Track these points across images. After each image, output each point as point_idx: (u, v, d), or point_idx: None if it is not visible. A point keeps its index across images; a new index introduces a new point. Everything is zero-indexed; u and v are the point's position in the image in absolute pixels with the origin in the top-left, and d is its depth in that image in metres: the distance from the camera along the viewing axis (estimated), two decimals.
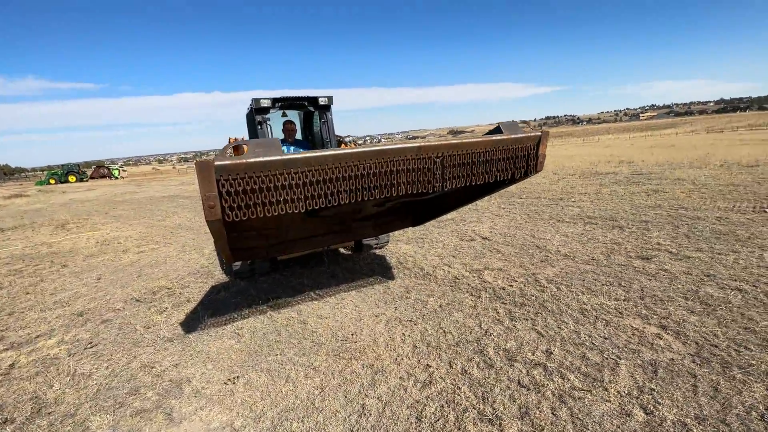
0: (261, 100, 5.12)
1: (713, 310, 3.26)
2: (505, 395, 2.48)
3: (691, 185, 8.91)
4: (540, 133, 2.77)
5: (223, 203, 2.01)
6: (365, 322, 3.65)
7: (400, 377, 2.77)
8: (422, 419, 2.34)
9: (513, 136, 2.66)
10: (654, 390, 2.39)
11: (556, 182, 11.37)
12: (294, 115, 6.36)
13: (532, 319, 3.41)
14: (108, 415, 2.61)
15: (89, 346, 3.63)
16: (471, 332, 3.28)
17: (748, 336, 2.85)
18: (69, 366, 3.29)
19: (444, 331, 3.35)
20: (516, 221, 7.07)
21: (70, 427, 2.53)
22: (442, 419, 2.33)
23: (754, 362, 2.55)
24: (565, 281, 4.14)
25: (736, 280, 3.77)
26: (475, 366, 2.81)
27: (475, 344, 3.09)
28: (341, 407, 2.51)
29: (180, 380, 2.97)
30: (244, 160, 1.99)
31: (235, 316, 4.04)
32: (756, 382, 2.37)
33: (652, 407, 2.26)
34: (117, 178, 43.72)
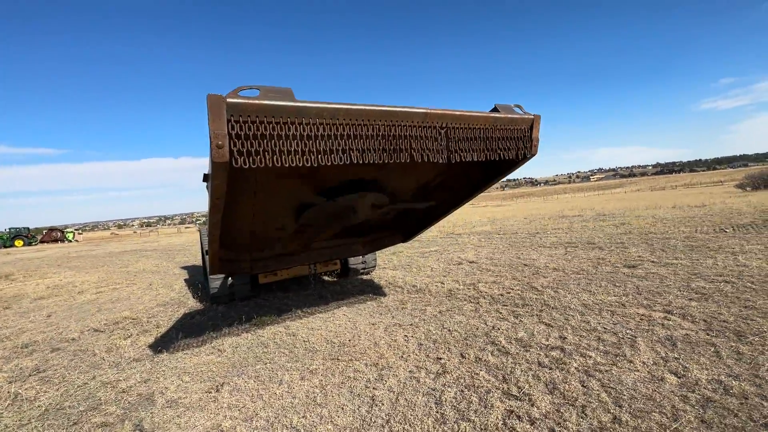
0: None
1: (709, 297, 3.29)
2: (528, 375, 2.27)
3: (653, 219, 9.50)
4: (533, 116, 2.92)
5: (231, 146, 1.90)
6: (362, 329, 3.37)
7: (410, 371, 2.50)
8: (442, 403, 2.08)
9: (509, 115, 2.78)
10: (678, 358, 2.29)
11: (529, 223, 11.79)
12: None
13: (537, 315, 3.28)
14: None
15: (35, 372, 3.07)
16: (477, 329, 3.09)
17: (750, 312, 2.86)
18: (8, 392, 2.73)
19: (449, 330, 3.14)
20: (499, 249, 7.12)
21: None
22: (465, 401, 2.07)
23: (765, 329, 2.53)
24: (561, 286, 4.10)
25: (721, 276, 3.88)
26: (489, 354, 2.60)
27: (485, 337, 2.90)
28: (347, 401, 2.20)
29: (150, 394, 2.52)
30: (257, 101, 1.92)
31: (214, 335, 3.61)
32: None
33: (682, 372, 2.14)
34: (71, 241, 40.90)
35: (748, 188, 22.50)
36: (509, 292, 4.05)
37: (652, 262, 4.83)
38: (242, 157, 1.92)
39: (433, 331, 3.14)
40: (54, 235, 44.24)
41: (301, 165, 2.07)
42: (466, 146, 2.59)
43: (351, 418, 2.02)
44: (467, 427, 1.84)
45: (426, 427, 1.88)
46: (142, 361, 3.11)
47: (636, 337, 2.62)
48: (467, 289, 4.37)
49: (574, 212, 14.61)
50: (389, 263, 6.47)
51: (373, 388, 2.31)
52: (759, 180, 22.58)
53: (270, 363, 2.85)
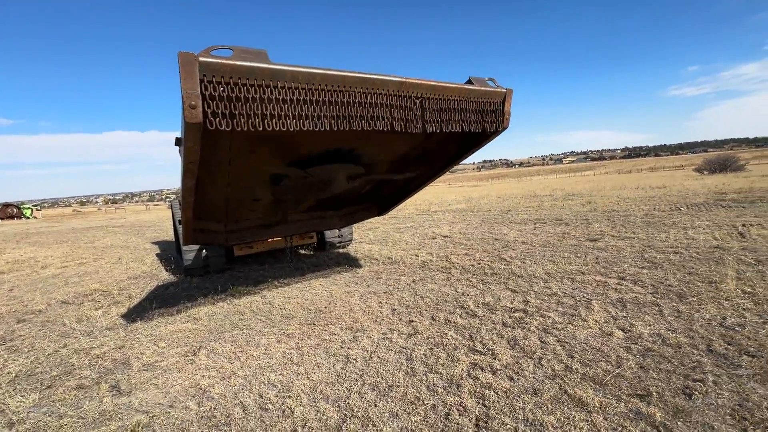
0: None
1: (659, 266, 3.58)
2: (492, 333, 2.45)
3: (617, 198, 10.00)
4: (506, 90, 3.00)
5: (205, 107, 1.87)
6: (337, 297, 3.47)
7: (383, 333, 2.63)
8: (413, 359, 2.22)
9: (483, 88, 2.85)
10: (626, 317, 2.52)
11: (503, 202, 12.13)
12: None
13: (504, 282, 3.47)
14: (33, 395, 2.13)
15: (0, 342, 3.00)
16: (448, 295, 3.25)
17: (692, 277, 3.15)
18: None
19: (421, 297, 3.28)
20: (472, 225, 7.34)
21: None
22: (434, 357, 2.22)
23: (703, 292, 2.81)
24: (528, 257, 4.32)
25: (672, 248, 4.20)
26: (458, 317, 2.76)
27: (455, 302, 3.06)
28: (323, 360, 2.30)
29: (126, 359, 2.54)
30: (231, 62, 1.89)
31: (189, 305, 3.62)
32: (709, 303, 2.60)
33: (628, 327, 2.36)
34: (29, 218, 38.55)
35: (705, 172, 23.83)
36: (480, 263, 4.24)
37: (612, 236, 5.14)
38: (216, 119, 1.90)
39: (407, 298, 3.28)
40: (9, 211, 41.43)
41: (276, 129, 2.07)
42: (441, 117, 2.64)
43: (326, 374, 2.13)
44: (435, 378, 1.98)
45: (397, 379, 2.01)
46: (116, 329, 3.09)
47: (591, 300, 2.85)
48: (440, 260, 4.54)
49: (545, 192, 15.13)
50: (365, 238, 6.56)
51: (348, 348, 2.43)
52: (715, 164, 23.93)
53: (247, 329, 2.91)
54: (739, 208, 6.70)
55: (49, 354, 2.69)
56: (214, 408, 1.88)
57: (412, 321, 2.77)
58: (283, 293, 3.73)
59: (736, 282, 2.92)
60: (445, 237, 6.17)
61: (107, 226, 14.91)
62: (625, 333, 2.29)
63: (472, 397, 1.79)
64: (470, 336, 2.44)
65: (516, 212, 8.85)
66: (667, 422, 1.53)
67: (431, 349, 2.33)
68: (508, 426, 1.58)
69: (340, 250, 5.66)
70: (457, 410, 1.71)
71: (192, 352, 2.56)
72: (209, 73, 1.82)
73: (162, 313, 3.42)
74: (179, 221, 3.86)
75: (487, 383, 1.89)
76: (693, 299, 2.69)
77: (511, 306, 2.86)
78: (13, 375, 2.41)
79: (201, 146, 2.10)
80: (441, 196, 17.76)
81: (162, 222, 15.13)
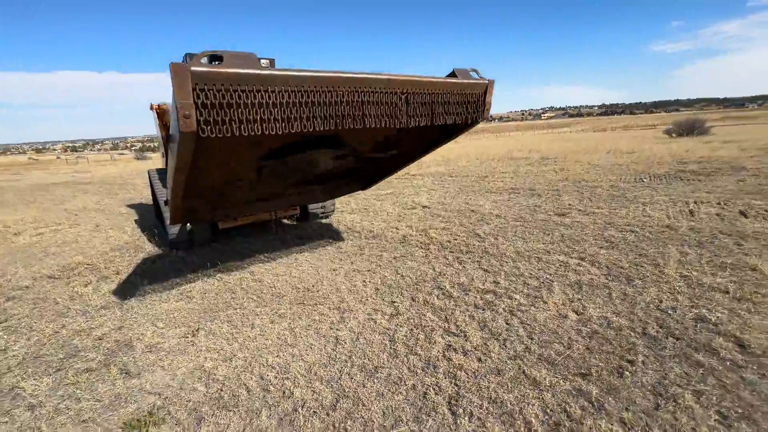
0: (197, 56, 4.74)
1: (616, 246, 3.97)
2: (465, 315, 2.76)
3: (588, 165, 10.42)
4: (487, 82, 3.08)
5: (198, 116, 1.90)
6: (324, 275, 3.70)
7: (368, 313, 2.90)
8: (395, 341, 2.51)
9: (467, 81, 2.92)
10: (581, 299, 2.88)
11: (480, 165, 12.37)
12: None
13: (478, 261, 3.78)
14: (45, 378, 2.31)
15: None
16: (427, 275, 3.54)
17: (642, 259, 3.55)
18: None
19: (402, 275, 3.56)
20: (450, 193, 7.59)
21: None
22: (413, 338, 2.52)
23: (648, 275, 3.20)
24: (500, 233, 4.64)
25: (629, 226, 4.61)
26: (435, 298, 3.06)
27: (433, 282, 3.35)
28: (315, 341, 2.57)
29: (128, 340, 2.72)
30: (223, 70, 1.90)
31: (179, 281, 3.77)
32: (651, 287, 2.99)
33: (581, 310, 2.72)
34: None
35: (673, 134, 24.70)
36: (456, 239, 4.53)
37: (579, 210, 5.52)
38: (209, 127, 1.94)
39: (388, 277, 3.55)
40: None
41: (267, 133, 2.13)
42: (426, 111, 2.74)
43: (319, 356, 2.40)
44: (415, 360, 2.29)
45: (381, 360, 2.31)
46: (111, 308, 3.23)
47: (553, 282, 3.20)
48: (419, 235, 4.80)
49: (522, 154, 15.44)
50: (347, 207, 6.71)
51: (337, 329, 2.70)
52: (683, 127, 24.76)
53: (240, 308, 3.12)
54: (696, 181, 7.22)
55: (49, 335, 2.83)
56: (221, 390, 2.13)
57: (394, 302, 3.05)
58: (271, 270, 3.92)
59: (677, 265, 3.34)
60: (424, 207, 6.41)
61: (74, 183, 14.28)
62: (578, 315, 2.66)
63: (446, 377, 2.11)
64: (446, 318, 2.75)
65: (492, 179, 9.13)
66: (601, 398, 1.89)
67: (411, 330, 2.63)
68: (475, 403, 1.91)
69: (323, 221, 5.82)
70: (433, 390, 2.02)
71: (191, 333, 2.76)
72: (201, 81, 1.84)
73: (154, 290, 3.57)
74: (165, 201, 3.87)
75: (459, 364, 2.21)
76: (638, 282, 3.08)
77: (483, 287, 3.18)
78: (20, 358, 2.56)
79: (194, 150, 2.15)
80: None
81: (132, 179, 14.60)
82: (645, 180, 7.58)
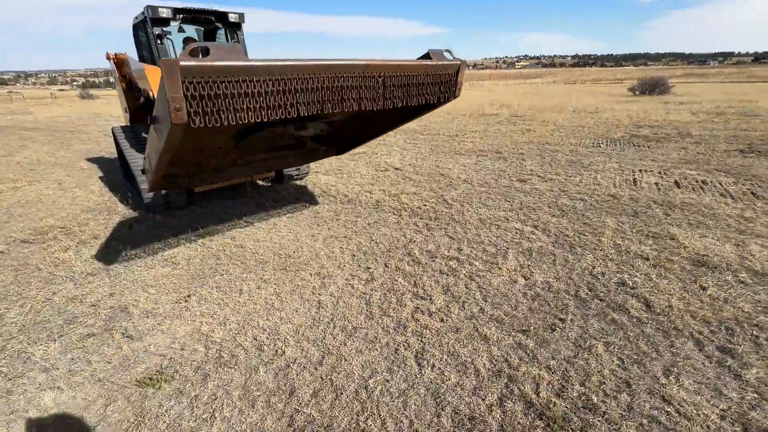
0: (159, 9, 4.46)
1: (566, 214, 4.46)
2: (431, 280, 3.17)
3: (553, 126, 10.85)
4: (459, 62, 3.24)
5: (188, 108, 1.99)
6: (303, 241, 3.97)
7: (346, 279, 3.25)
8: (371, 304, 2.89)
9: (441, 62, 3.07)
10: (530, 265, 3.36)
11: (451, 121, 12.51)
12: (191, 32, 5.68)
13: (444, 228, 4.17)
14: (52, 343, 2.53)
15: None
16: (398, 241, 3.90)
17: (585, 228, 4.06)
18: None
19: (376, 242, 3.89)
20: (421, 154, 7.82)
21: (6, 362, 2.39)
22: (386, 302, 2.91)
23: (588, 242, 3.72)
24: (466, 200, 5.02)
25: (580, 194, 5.12)
26: (406, 264, 3.44)
27: (404, 249, 3.72)
28: (299, 305, 2.90)
29: (123, 306, 2.94)
30: (210, 63, 1.96)
31: (162, 246, 3.92)
32: (588, 254, 3.51)
33: (528, 275, 3.20)
34: None
35: (637, 92, 25.51)
36: (426, 205, 4.87)
37: (539, 176, 5.97)
38: (198, 117, 2.05)
39: (363, 243, 3.87)
40: None
41: (253, 121, 2.25)
42: (401, 93, 2.89)
43: (304, 318, 2.75)
44: (388, 321, 2.69)
45: (359, 322, 2.69)
46: (98, 275, 3.38)
47: (508, 249, 3.65)
48: (392, 200, 5.09)
49: (492, 109, 15.63)
50: (321, 168, 6.82)
51: (318, 294, 3.04)
52: (646, 86, 25.56)
53: (227, 274, 3.37)
54: (646, 148, 7.84)
55: (42, 302, 2.99)
56: (220, 350, 2.45)
57: (369, 268, 3.40)
58: (251, 235, 4.13)
59: (612, 234, 3.87)
60: (396, 169, 6.65)
61: (16, 128, 13.11)
62: (526, 280, 3.13)
63: (413, 336, 2.53)
64: (414, 283, 3.15)
65: (462, 138, 9.39)
66: (535, 350, 2.38)
67: (384, 294, 3.01)
68: (437, 356, 2.35)
69: (298, 182, 5.95)
70: (403, 346, 2.44)
71: (183, 299, 3.01)
72: (190, 75, 1.92)
73: (138, 256, 3.71)
74: (143, 170, 3.86)
75: (425, 324, 2.64)
76: (579, 250, 3.59)
77: (448, 254, 3.59)
78: (20, 325, 2.73)
79: (180, 143, 2.25)
80: None
81: (84, 125, 13.58)
82: (602, 146, 8.12)
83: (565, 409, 1.96)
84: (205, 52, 1.99)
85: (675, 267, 3.24)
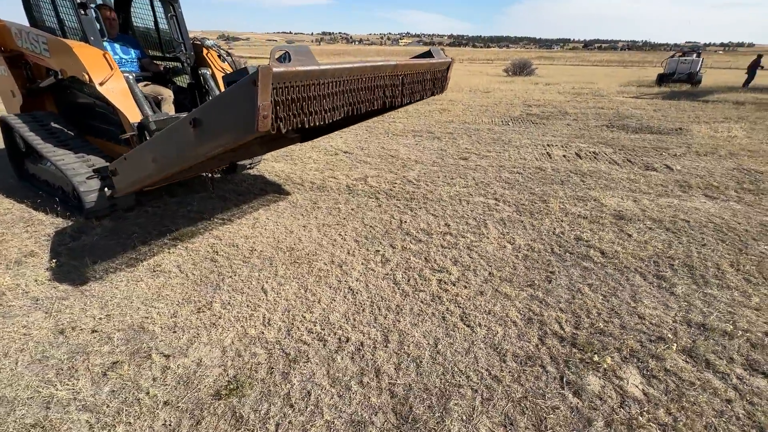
0: None
1: (513, 186, 5.28)
2: (438, 255, 3.56)
3: (462, 106, 12.02)
4: (451, 60, 3.56)
5: (274, 114, 1.91)
6: (298, 232, 3.93)
7: (363, 263, 3.42)
8: (399, 282, 3.16)
9: (440, 60, 3.35)
10: (508, 232, 4.00)
11: None
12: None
13: (424, 207, 4.57)
14: (74, 381, 2.19)
15: None
16: (391, 223, 4.16)
17: (533, 197, 4.91)
18: None
19: (371, 226, 4.09)
20: (360, 136, 7.99)
21: (30, 413, 2.02)
22: (411, 279, 3.21)
23: (541, 209, 4.55)
24: (428, 179, 5.49)
25: (515, 168, 6.03)
26: (410, 243, 3.76)
27: (400, 230, 4.01)
28: (333, 294, 3.00)
29: (135, 325, 2.63)
30: (296, 69, 1.90)
31: (135, 255, 3.46)
32: (545, 219, 4.32)
33: (512, 240, 3.83)
34: None
35: (509, 73, 29.24)
36: (395, 187, 5.18)
37: (476, 154, 6.77)
38: (277, 123, 2.00)
39: (359, 228, 4.03)
40: None
41: (317, 125, 2.25)
42: (413, 89, 3.13)
43: (346, 305, 2.88)
44: (422, 295, 3.01)
45: (398, 300, 2.95)
46: (72, 297, 2.89)
47: (486, 220, 4.25)
48: (361, 184, 5.26)
49: None
50: (269, 155, 6.49)
51: (345, 281, 3.16)
52: (517, 67, 29.47)
53: (236, 275, 3.21)
54: (542, 125, 9.37)
55: (22, 340, 2.48)
56: (283, 349, 2.46)
57: (378, 250, 3.62)
58: (236, 232, 3.90)
59: (554, 200, 4.79)
60: (345, 153, 6.74)
61: None
62: (512, 245, 3.76)
63: (450, 303, 2.91)
64: (425, 258, 3.50)
65: (391, 118, 9.79)
66: (545, 298, 2.99)
67: (405, 272, 3.30)
68: (478, 317, 2.77)
69: (251, 171, 5.62)
70: (448, 314, 2.81)
71: (204, 307, 2.82)
72: (278, 81, 1.87)
73: (110, 270, 3.24)
74: (111, 171, 3.28)
75: (454, 292, 3.04)
76: (537, 215, 4.39)
77: (440, 230, 4.01)
78: (29, 360, 2.26)
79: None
80: None
81: None
82: (510, 124, 9.41)
83: (586, 336, 2.59)
84: (288, 57, 1.94)
85: (605, 221, 4.24)
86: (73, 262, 3.33)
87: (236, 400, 2.10)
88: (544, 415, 2.05)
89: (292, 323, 2.69)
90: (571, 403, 2.11)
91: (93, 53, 3.63)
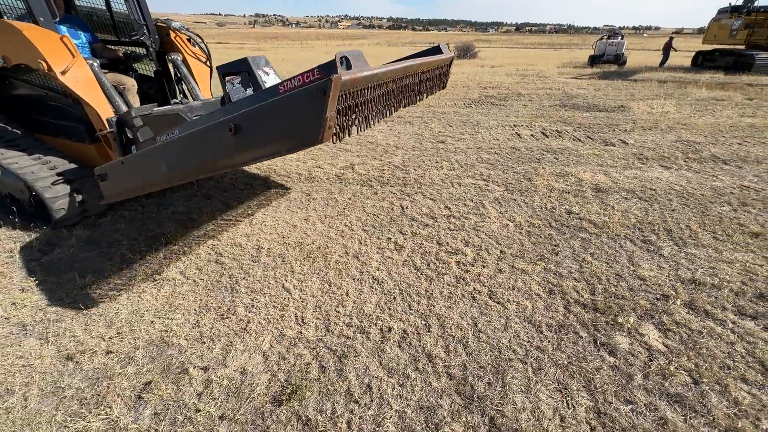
0: None
1: (495, 166, 5.48)
2: (449, 237, 3.63)
3: None
4: (453, 55, 3.60)
5: (336, 124, 1.81)
6: (300, 226, 3.78)
7: (378, 252, 3.39)
8: (420, 268, 3.18)
9: (448, 55, 3.38)
10: (506, 211, 4.17)
11: None
12: None
13: (420, 192, 4.60)
14: (105, 409, 1.96)
15: None
16: (393, 209, 4.15)
17: (518, 176, 5.15)
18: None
19: (373, 214, 4.04)
20: None
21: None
22: (431, 263, 3.25)
23: (528, 187, 4.78)
24: (414, 164, 5.51)
25: (492, 149, 6.25)
26: (418, 228, 3.78)
27: (404, 216, 4.01)
28: (359, 286, 2.96)
29: (155, 340, 2.40)
30: (358, 75, 1.81)
31: (128, 266, 3.12)
32: (535, 195, 4.55)
33: (512, 217, 4.01)
34: None
35: (455, 56, 29.95)
36: (385, 173, 5.14)
37: (451, 137, 6.90)
38: (341, 133, 1.93)
39: (362, 217, 3.97)
40: None
41: (363, 131, 2.18)
42: (427, 85, 3.15)
43: (377, 296, 2.85)
44: (447, 278, 3.06)
45: (425, 285, 2.98)
46: (67, 318, 2.56)
47: (482, 201, 4.39)
48: (349, 172, 5.15)
49: None
50: None
51: (367, 272, 3.12)
52: (462, 50, 30.20)
53: (251, 276, 3.03)
54: (501, 106, 9.76)
55: (22, 372, 2.16)
56: (327, 346, 2.39)
57: (390, 238, 3.61)
58: (235, 231, 3.67)
59: (537, 177, 5.06)
60: None
61: None
62: (513, 222, 3.93)
63: (475, 283, 3.00)
64: (438, 242, 3.56)
65: None
66: (557, 269, 3.18)
67: (423, 257, 3.33)
68: (505, 294, 2.89)
69: None
70: (476, 293, 2.89)
71: (227, 313, 2.64)
72: (343, 89, 1.77)
73: (105, 283, 2.91)
74: (98, 176, 2.87)
75: (475, 272, 3.13)
76: (527, 193, 4.61)
77: (443, 213, 4.08)
78: (40, 394, 1.96)
79: None
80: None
81: None
82: (472, 106, 9.68)
83: (603, 300, 2.82)
84: (347, 62, 1.84)
85: (587, 194, 4.58)
86: (52, 278, 2.93)
87: (297, 403, 2.02)
88: (591, 376, 2.21)
89: (328, 319, 2.61)
90: (610, 362, 2.31)
91: (48, 37, 3.13)
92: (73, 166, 3.54)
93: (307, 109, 1.75)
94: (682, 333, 2.53)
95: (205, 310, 2.67)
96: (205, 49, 4.36)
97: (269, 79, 3.46)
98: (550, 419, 1.97)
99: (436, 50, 3.38)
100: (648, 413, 2.00)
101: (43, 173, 3.38)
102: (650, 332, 2.53)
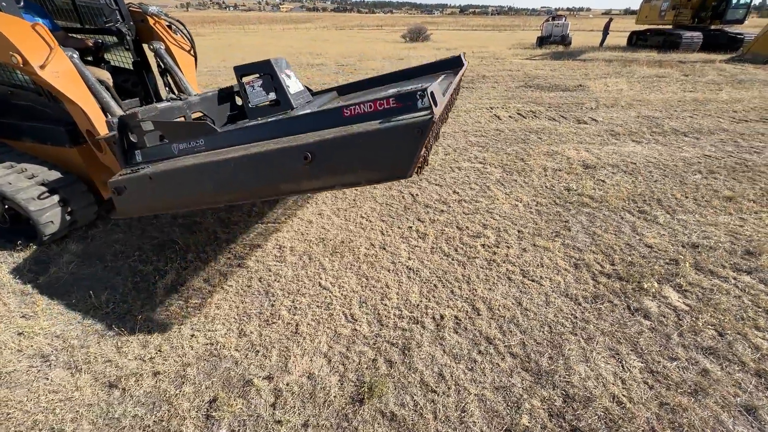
0: None
1: (487, 149, 5.62)
2: (467, 221, 3.70)
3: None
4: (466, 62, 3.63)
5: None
6: (316, 222, 3.67)
7: (403, 241, 3.38)
8: (449, 255, 3.22)
9: (466, 65, 3.43)
10: (512, 192, 4.31)
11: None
12: None
13: (426, 179, 4.62)
14: None
15: None
16: (403, 197, 4.13)
17: (511, 157, 5.31)
18: None
19: (386, 204, 4.01)
20: None
21: None
22: (457, 248, 3.30)
23: (524, 167, 4.97)
24: None
25: (478, 132, 6.39)
26: (435, 214, 3.81)
27: (418, 205, 4.02)
28: (396, 277, 2.94)
29: (202, 356, 2.25)
30: (440, 109, 1.76)
31: (141, 279, 2.86)
32: (532, 175, 4.74)
33: (519, 199, 4.16)
34: None
35: (407, 39, 29.89)
36: None
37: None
38: (422, 166, 1.92)
39: (376, 208, 3.93)
40: None
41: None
42: (455, 98, 3.14)
43: (417, 285, 2.86)
44: (478, 261, 3.13)
45: (460, 270, 3.03)
46: (98, 340, 2.31)
47: (486, 184, 4.50)
48: None
49: (306, 58, 15.62)
50: None
51: (399, 262, 3.11)
52: (414, 33, 30.20)
53: (282, 278, 2.91)
54: (472, 89, 9.95)
55: (88, 404, 1.93)
56: (385, 340, 2.37)
57: (410, 227, 3.61)
58: (247, 231, 3.48)
59: (528, 157, 5.26)
60: None
61: None
62: (521, 203, 4.08)
63: (506, 264, 3.10)
64: (458, 227, 3.61)
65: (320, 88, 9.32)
66: (575, 244, 3.37)
67: (448, 243, 3.37)
68: (536, 272, 3.02)
69: None
70: (510, 274, 2.99)
71: (271, 318, 2.53)
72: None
73: (121, 300, 2.66)
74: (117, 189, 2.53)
75: (503, 254, 3.23)
76: (524, 173, 4.79)
77: (453, 198, 4.14)
78: (93, 428, 1.77)
79: None
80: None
81: None
82: None
83: (624, 269, 3.04)
84: (433, 96, 1.76)
85: (579, 172, 4.85)
86: (58, 300, 2.63)
87: (377, 400, 2.00)
88: (635, 339, 2.40)
89: (378, 313, 2.59)
90: (647, 325, 2.51)
91: (19, 25, 2.69)
92: (55, 173, 3.15)
93: (401, 145, 1.68)
94: (697, 292, 2.80)
95: (247, 318, 2.53)
96: (189, 36, 3.99)
97: (291, 83, 3.27)
98: (613, 383, 2.12)
99: (457, 61, 3.40)
100: (691, 367, 2.22)
101: (20, 183, 2.97)
102: (671, 294, 2.78)
